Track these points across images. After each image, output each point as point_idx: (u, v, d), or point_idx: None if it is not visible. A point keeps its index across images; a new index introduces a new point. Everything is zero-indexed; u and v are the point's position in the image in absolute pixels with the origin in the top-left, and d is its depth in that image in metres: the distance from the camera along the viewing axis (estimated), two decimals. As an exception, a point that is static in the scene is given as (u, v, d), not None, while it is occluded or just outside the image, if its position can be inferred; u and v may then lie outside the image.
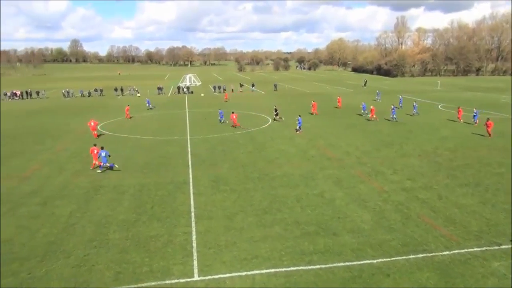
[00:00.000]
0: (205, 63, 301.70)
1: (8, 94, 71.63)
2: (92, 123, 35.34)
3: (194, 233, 16.20)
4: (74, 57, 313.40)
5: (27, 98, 71.83)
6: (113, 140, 33.61)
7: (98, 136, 34.86)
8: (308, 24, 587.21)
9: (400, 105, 49.85)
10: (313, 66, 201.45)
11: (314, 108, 46.12)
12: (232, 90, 78.55)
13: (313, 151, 28.77)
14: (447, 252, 14.46)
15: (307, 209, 18.38)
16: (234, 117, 38.00)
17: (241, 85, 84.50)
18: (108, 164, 24.53)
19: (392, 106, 43.71)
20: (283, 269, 13.64)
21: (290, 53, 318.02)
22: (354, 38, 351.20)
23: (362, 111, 44.97)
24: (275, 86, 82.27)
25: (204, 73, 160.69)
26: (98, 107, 56.62)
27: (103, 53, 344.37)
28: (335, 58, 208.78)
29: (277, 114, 41.96)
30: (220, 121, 40.58)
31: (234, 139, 32.94)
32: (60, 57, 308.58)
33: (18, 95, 71.99)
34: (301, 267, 13.73)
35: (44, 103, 63.48)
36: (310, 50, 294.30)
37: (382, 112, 44.58)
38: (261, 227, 16.67)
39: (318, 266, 13.77)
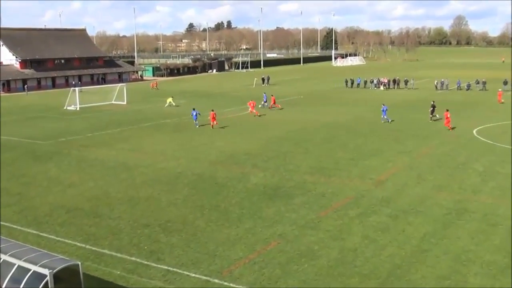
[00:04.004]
0: None
1: (375, 81, 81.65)
2: (213, 115, 43.80)
3: None
4: (455, 38, 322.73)
5: (394, 87, 79.60)
6: (490, 149, 32.77)
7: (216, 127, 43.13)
8: None
9: None
10: None
11: None
12: None
13: None
14: None
15: None
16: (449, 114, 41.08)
17: None
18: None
19: None
20: None
21: None
22: None
23: None
24: None
25: None
26: (474, 105, 56.24)
27: (494, 33, 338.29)
28: None
29: (433, 111, 45.66)
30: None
31: None
32: (438, 39, 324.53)
33: (384, 83, 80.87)
34: None
35: (412, 95, 68.60)
36: None
37: None
38: None
39: None
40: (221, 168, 29.73)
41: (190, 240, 19.10)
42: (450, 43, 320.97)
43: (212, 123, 43.69)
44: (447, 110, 41.72)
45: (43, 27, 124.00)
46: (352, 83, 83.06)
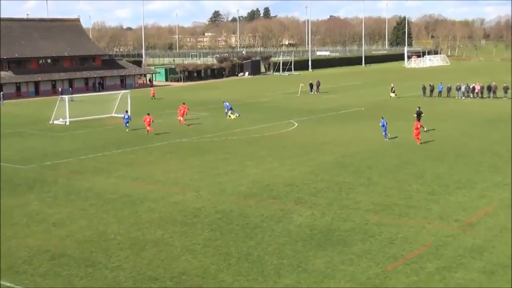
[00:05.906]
0: None
1: (463, 88, 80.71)
2: (148, 119, 51.67)
3: None
4: None
5: (489, 96, 78.43)
6: None
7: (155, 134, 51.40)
8: None
9: None
10: None
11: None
12: None
13: None
14: None
15: None
16: None
17: None
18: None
19: None
20: None
21: None
22: None
23: None
24: None
25: None
26: None
27: None
28: None
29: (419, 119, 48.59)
30: None
31: None
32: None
33: (477, 90, 79.83)
34: None
35: (507, 106, 67.48)
36: None
37: None
38: None
39: None
40: (254, 204, 29.78)
41: (212, 299, 19.09)
42: None
43: (147, 129, 51.57)
44: (418, 120, 45.07)
45: (24, 16, 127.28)
46: (432, 91, 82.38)
